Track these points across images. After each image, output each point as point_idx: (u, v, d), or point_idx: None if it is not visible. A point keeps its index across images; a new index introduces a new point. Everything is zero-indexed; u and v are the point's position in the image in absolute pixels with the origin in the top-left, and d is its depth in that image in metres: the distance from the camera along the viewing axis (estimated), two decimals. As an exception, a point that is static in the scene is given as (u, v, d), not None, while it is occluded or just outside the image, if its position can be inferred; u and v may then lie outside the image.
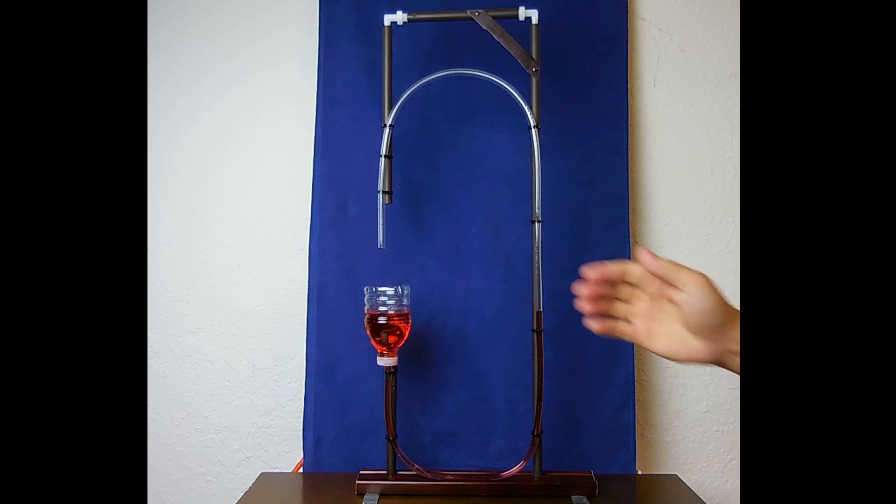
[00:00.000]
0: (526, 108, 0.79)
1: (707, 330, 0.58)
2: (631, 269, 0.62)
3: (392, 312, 0.78)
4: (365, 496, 0.79)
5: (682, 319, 0.59)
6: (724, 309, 0.57)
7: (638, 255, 0.61)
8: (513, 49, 0.80)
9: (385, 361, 0.79)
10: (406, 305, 0.80)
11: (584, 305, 0.63)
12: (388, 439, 0.81)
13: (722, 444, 0.97)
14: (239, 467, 0.98)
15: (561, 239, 0.90)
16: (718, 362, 0.59)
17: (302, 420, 0.91)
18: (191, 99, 0.99)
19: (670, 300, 0.60)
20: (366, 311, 0.79)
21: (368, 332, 0.79)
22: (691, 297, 0.58)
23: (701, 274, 0.58)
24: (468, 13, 0.81)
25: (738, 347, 0.56)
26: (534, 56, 0.81)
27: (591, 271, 0.62)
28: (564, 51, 0.92)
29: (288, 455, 0.97)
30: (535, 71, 0.81)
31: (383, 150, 0.80)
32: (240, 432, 0.98)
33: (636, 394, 0.91)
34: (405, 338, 0.80)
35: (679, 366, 0.96)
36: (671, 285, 0.59)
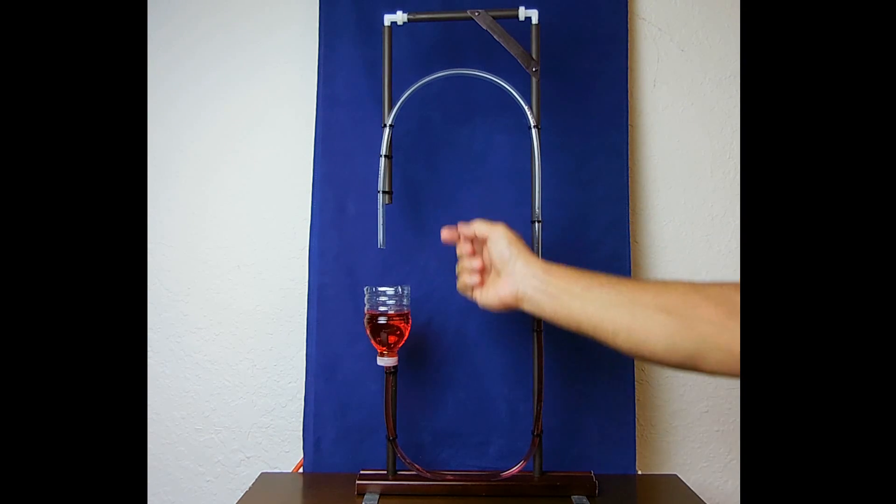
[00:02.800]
0: (526, 108, 0.79)
1: (505, 262, 0.67)
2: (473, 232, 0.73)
3: (392, 312, 0.78)
4: (365, 496, 0.79)
5: (492, 266, 0.70)
6: (517, 243, 0.68)
7: (442, 235, 0.74)
8: (513, 49, 0.80)
9: (385, 361, 0.79)
10: (406, 305, 0.80)
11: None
12: (388, 439, 0.81)
13: (722, 444, 0.97)
14: (239, 467, 0.98)
15: (561, 239, 0.90)
16: (519, 299, 0.66)
17: (302, 420, 0.91)
18: (191, 99, 0.99)
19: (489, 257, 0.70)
20: (366, 311, 0.79)
21: (368, 332, 0.79)
22: (492, 240, 0.69)
23: (501, 224, 0.70)
24: (468, 13, 0.81)
25: (535, 282, 0.65)
26: (534, 56, 0.81)
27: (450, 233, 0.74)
28: (564, 51, 0.92)
29: (288, 455, 0.97)
30: (535, 71, 0.81)
31: (383, 150, 0.80)
32: (240, 432, 0.98)
33: (636, 394, 0.91)
34: (405, 338, 0.80)
35: (679, 366, 0.96)
36: (484, 242, 0.71)
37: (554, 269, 0.66)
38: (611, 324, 0.60)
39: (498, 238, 0.69)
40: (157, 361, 0.99)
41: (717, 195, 0.97)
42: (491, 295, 0.69)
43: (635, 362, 0.91)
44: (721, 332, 0.54)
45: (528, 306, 0.66)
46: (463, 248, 0.73)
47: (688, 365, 0.57)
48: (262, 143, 0.99)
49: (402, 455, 0.80)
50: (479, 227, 0.71)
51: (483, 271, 0.71)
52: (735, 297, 0.56)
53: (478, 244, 0.73)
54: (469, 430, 0.89)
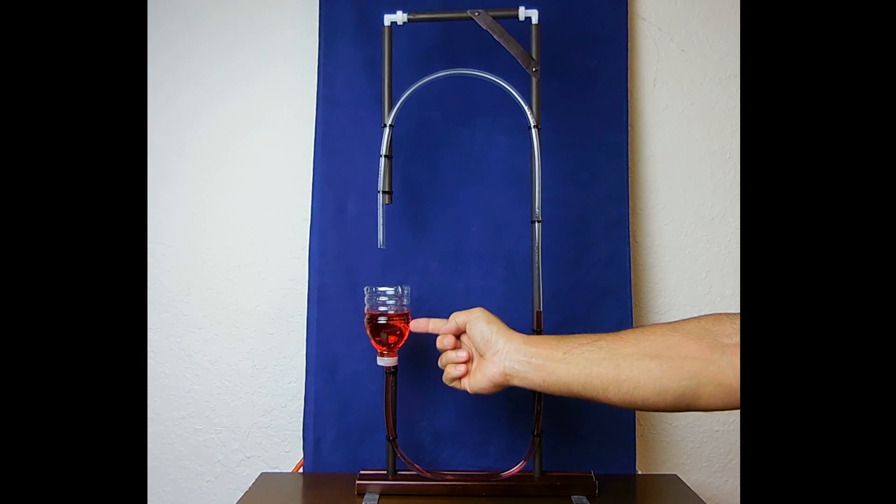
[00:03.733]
0: (526, 108, 0.79)
1: (488, 343, 0.69)
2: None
3: (392, 312, 0.78)
4: (365, 496, 0.79)
5: (476, 350, 0.71)
6: (496, 322, 0.70)
7: (411, 327, 0.77)
8: (513, 49, 0.80)
9: (385, 361, 0.79)
10: (406, 305, 0.80)
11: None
12: (388, 439, 0.81)
13: (722, 444, 0.97)
14: (239, 467, 0.98)
15: (561, 239, 0.90)
16: (508, 376, 0.67)
17: (302, 420, 0.91)
18: (191, 99, 0.99)
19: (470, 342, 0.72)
20: (366, 311, 0.79)
21: (368, 332, 0.79)
22: (471, 323, 0.71)
23: (477, 307, 0.72)
24: (468, 13, 0.81)
25: (520, 356, 0.66)
26: (534, 56, 0.81)
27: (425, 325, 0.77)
28: (564, 51, 0.92)
29: (288, 455, 0.97)
30: (535, 71, 0.81)
31: (383, 150, 0.80)
32: (240, 432, 0.98)
33: (636, 394, 0.91)
34: (405, 338, 0.80)
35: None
36: (464, 330, 0.72)
37: (534, 339, 0.68)
38: (598, 380, 0.62)
39: (476, 320, 0.71)
40: (157, 361, 0.99)
41: (717, 195, 0.97)
42: (479, 378, 0.70)
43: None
44: (707, 365, 0.56)
45: (517, 381, 0.68)
46: (444, 343, 0.74)
47: (682, 405, 0.58)
48: (262, 143, 0.99)
49: (402, 455, 0.80)
50: (458, 318, 0.73)
51: (468, 361, 0.73)
52: (714, 329, 0.58)
53: (459, 334, 0.74)
54: (469, 430, 0.89)
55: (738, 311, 0.59)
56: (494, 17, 0.81)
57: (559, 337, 0.67)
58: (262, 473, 0.91)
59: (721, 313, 0.60)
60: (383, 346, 0.79)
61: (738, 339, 0.56)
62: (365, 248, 0.90)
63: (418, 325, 0.77)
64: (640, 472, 0.91)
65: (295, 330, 0.96)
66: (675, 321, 0.62)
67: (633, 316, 0.91)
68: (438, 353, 0.76)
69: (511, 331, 0.70)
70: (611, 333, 0.64)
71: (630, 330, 0.64)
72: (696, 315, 0.62)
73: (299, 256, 0.97)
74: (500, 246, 0.91)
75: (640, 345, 0.61)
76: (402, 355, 0.83)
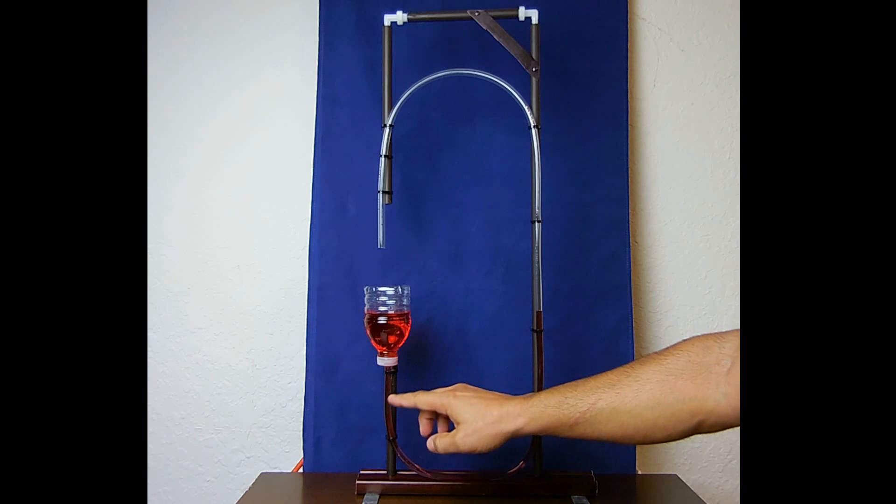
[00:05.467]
0: (526, 108, 0.79)
1: (480, 428, 0.68)
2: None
3: (392, 312, 0.78)
4: (365, 496, 0.79)
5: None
6: (479, 404, 0.69)
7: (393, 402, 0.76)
8: (513, 49, 0.80)
9: (385, 361, 0.79)
10: (406, 305, 0.80)
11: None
12: (388, 439, 0.81)
13: (722, 444, 0.97)
14: (239, 467, 0.98)
15: (561, 239, 0.90)
16: (516, 435, 0.68)
17: (302, 420, 0.91)
18: (191, 99, 0.99)
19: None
20: (366, 311, 0.79)
21: (368, 332, 0.79)
22: (454, 417, 0.70)
23: (453, 393, 0.72)
24: (468, 13, 0.81)
25: (520, 420, 0.67)
26: (534, 56, 0.81)
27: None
28: (564, 51, 0.92)
29: (288, 455, 0.97)
30: (536, 71, 0.81)
31: (383, 150, 0.80)
32: (240, 432, 0.98)
33: (636, 394, 0.91)
34: (405, 338, 0.80)
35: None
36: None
37: (528, 407, 0.68)
38: (607, 436, 0.65)
39: (459, 412, 0.70)
40: (157, 361, 0.99)
41: (717, 195, 0.97)
42: (489, 444, 0.70)
43: (634, 358, 0.91)
44: (705, 403, 0.59)
45: (525, 434, 0.69)
46: (423, 428, 0.75)
47: (687, 436, 0.62)
48: (262, 143, 0.99)
49: (402, 455, 0.80)
50: (434, 402, 0.73)
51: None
52: (704, 360, 0.59)
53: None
54: (469, 430, 0.89)
55: (723, 331, 0.61)
56: (494, 17, 0.81)
57: (558, 402, 0.66)
58: (262, 473, 0.91)
59: (707, 336, 0.61)
60: (383, 346, 0.79)
61: (727, 364, 0.58)
62: (365, 248, 0.90)
63: (399, 401, 0.76)
64: (640, 472, 0.91)
65: (295, 330, 0.96)
66: (664, 355, 0.62)
67: (633, 316, 0.91)
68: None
69: (497, 403, 0.69)
70: (606, 385, 0.64)
71: (623, 376, 0.64)
72: (684, 323, 0.63)
73: (299, 256, 0.97)
74: (500, 246, 0.91)
75: (639, 397, 0.62)
76: (402, 355, 0.83)
